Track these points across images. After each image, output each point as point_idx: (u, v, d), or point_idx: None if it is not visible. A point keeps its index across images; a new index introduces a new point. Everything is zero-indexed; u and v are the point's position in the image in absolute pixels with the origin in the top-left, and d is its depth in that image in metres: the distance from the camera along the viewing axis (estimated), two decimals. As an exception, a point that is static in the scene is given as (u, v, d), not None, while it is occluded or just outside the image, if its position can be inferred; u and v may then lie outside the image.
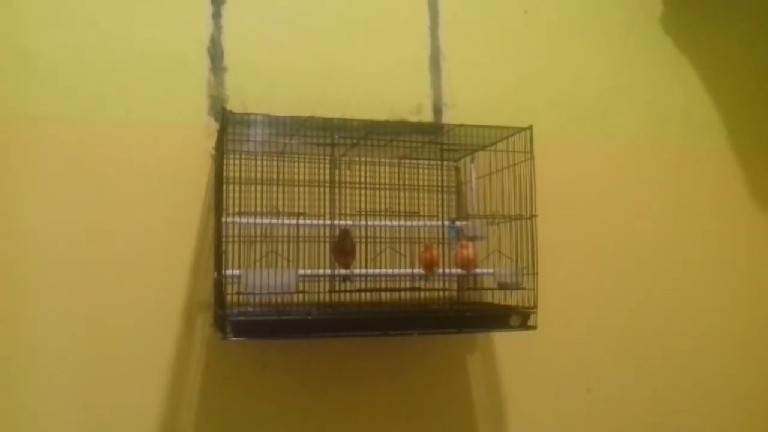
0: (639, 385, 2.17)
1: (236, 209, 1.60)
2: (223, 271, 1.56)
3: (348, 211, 1.74)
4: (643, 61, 2.32)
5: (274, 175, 1.73)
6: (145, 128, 1.81)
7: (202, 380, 1.78)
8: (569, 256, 2.14)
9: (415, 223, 1.80)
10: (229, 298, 1.56)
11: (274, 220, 1.63)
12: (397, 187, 1.86)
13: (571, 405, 2.10)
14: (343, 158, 1.81)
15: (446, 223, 1.79)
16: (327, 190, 1.75)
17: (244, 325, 1.52)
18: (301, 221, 1.63)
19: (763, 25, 2.50)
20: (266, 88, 1.91)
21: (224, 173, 1.57)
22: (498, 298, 1.81)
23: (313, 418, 1.85)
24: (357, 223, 1.69)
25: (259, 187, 1.70)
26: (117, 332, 1.73)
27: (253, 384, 1.81)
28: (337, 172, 1.75)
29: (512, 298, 1.76)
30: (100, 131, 1.78)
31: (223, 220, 1.56)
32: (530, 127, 1.76)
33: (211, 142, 1.83)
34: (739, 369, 2.29)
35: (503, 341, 2.04)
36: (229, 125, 1.60)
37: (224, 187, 1.57)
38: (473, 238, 1.87)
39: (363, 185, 1.83)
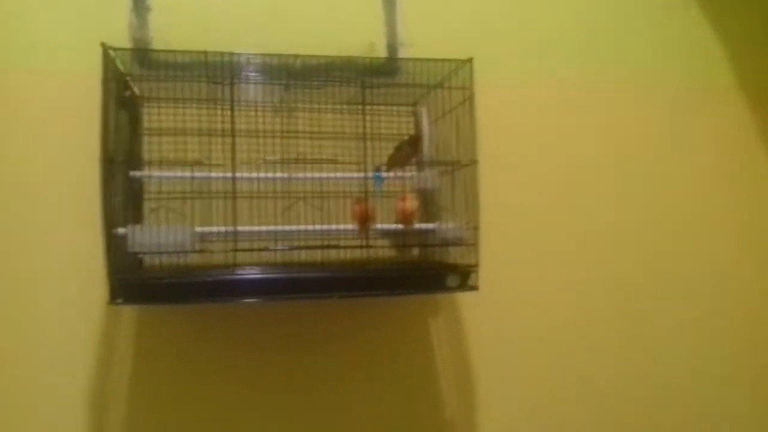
0: (609, 344, 2.01)
1: (121, 158, 1.43)
2: (112, 230, 1.41)
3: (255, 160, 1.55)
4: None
5: (173, 124, 1.56)
6: (59, 75, 1.68)
7: (133, 351, 1.68)
8: (523, 209, 1.97)
9: (332, 175, 1.60)
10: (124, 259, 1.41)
11: (166, 173, 1.46)
12: (319, 135, 1.66)
13: (539, 368, 1.95)
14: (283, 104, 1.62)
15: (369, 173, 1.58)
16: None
17: (128, 288, 1.36)
18: (198, 174, 1.45)
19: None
20: (196, 28, 1.75)
21: (105, 120, 1.40)
22: (454, 256, 1.63)
23: (248, 386, 1.74)
24: (260, 174, 1.50)
25: (153, 138, 1.54)
26: (35, 302, 1.63)
27: (185, 354, 1.71)
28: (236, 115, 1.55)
29: (467, 257, 1.57)
30: (5, 78, 1.66)
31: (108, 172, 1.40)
32: (470, 60, 1.56)
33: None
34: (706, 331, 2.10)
35: (469, 303, 1.90)
36: (110, 66, 1.42)
37: (107, 134, 1.40)
38: (425, 190, 1.69)
39: (265, 133, 1.64)
